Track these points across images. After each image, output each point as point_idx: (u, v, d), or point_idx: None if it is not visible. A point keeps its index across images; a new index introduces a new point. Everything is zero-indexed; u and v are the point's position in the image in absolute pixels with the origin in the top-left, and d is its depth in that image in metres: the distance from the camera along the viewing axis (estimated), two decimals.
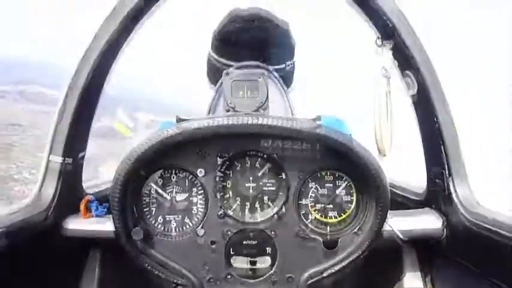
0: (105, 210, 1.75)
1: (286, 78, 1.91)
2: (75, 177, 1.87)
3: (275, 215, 1.31)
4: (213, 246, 1.34)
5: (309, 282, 1.37)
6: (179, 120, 1.25)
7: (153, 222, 1.33)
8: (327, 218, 1.33)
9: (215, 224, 1.32)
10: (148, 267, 1.36)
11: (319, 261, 1.37)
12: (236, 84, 1.42)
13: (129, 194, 1.26)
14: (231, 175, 1.32)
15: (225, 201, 1.31)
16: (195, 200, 1.32)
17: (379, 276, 1.71)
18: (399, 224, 1.72)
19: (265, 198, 1.32)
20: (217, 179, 1.30)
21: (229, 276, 1.36)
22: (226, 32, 1.86)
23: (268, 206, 1.32)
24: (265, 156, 1.31)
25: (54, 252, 1.71)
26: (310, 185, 1.32)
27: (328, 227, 1.33)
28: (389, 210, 1.41)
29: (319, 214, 1.33)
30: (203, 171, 1.30)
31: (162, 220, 1.32)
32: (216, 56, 1.86)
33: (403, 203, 2.05)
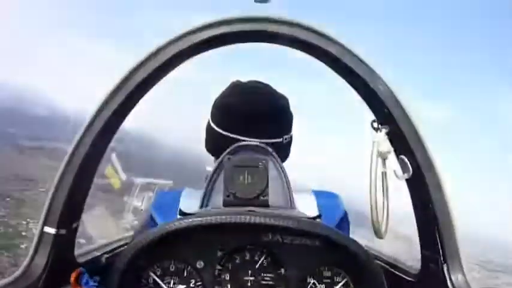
0: (96, 284, 1.71)
1: (283, 152, 1.94)
2: (68, 248, 1.85)
3: None
4: None
5: None
6: (182, 213, 1.26)
7: None
8: None
9: None
10: None
11: None
12: (237, 170, 1.43)
13: (126, 284, 1.23)
14: (230, 268, 1.31)
15: None
16: None
17: None
18: None
19: None
20: (216, 272, 1.29)
21: None
22: (226, 102, 1.90)
23: None
24: (264, 250, 1.30)
25: None
26: (308, 280, 1.32)
27: None
28: None
29: None
30: (202, 263, 1.29)
31: None
32: (214, 127, 1.89)
33: (396, 283, 2.04)
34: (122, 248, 2.24)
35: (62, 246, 1.77)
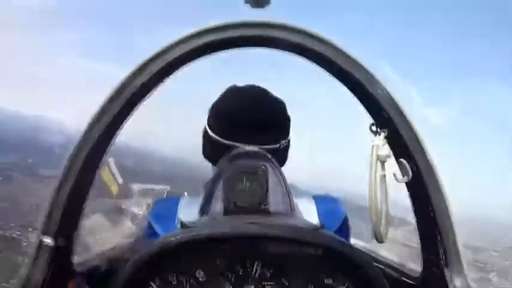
0: None
1: (281, 157, 1.93)
2: (66, 257, 1.83)
3: None
4: None
5: None
6: (183, 225, 1.24)
7: None
8: None
9: None
10: None
11: None
12: (236, 177, 1.42)
13: None
14: (232, 279, 1.29)
15: None
16: None
17: None
18: None
19: None
20: (218, 283, 1.27)
21: None
22: (222, 108, 1.88)
23: None
24: (267, 260, 1.29)
25: None
26: None
27: None
28: None
29: None
30: (203, 273, 1.27)
31: None
32: (211, 133, 1.88)
33: (397, 286, 2.04)
34: (120, 256, 2.23)
35: (61, 256, 1.75)
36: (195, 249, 1.25)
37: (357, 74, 1.68)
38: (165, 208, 1.86)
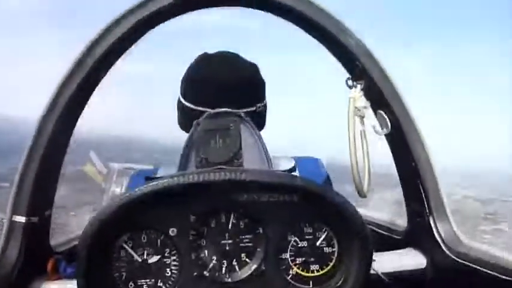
0: (74, 270, 1.64)
1: (259, 120, 1.88)
2: (42, 236, 1.76)
3: (254, 273, 1.22)
4: None
5: None
6: (148, 179, 1.18)
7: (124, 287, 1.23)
8: (309, 271, 1.25)
9: (191, 286, 1.22)
10: None
11: None
12: (207, 134, 1.36)
13: (96, 259, 1.16)
14: (205, 233, 1.23)
15: (200, 261, 1.22)
16: (168, 261, 1.22)
17: None
18: (383, 266, 1.68)
19: (243, 255, 1.24)
20: (190, 237, 1.21)
21: None
22: (194, 75, 1.83)
23: (247, 263, 1.24)
24: (240, 211, 1.24)
25: None
26: (289, 239, 1.25)
27: (311, 281, 1.25)
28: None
29: (301, 268, 1.25)
30: (175, 230, 1.21)
31: (133, 285, 1.21)
32: (184, 102, 1.83)
33: (383, 241, 2.01)
34: None
35: (35, 236, 1.69)
36: (163, 204, 1.19)
37: (327, 25, 1.63)
38: (142, 179, 1.81)
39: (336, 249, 1.26)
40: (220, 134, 1.38)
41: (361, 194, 1.75)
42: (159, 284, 1.21)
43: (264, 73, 1.93)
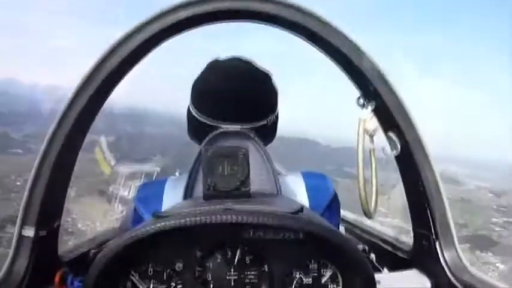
0: (81, 284, 1.66)
1: (269, 133, 1.85)
2: (50, 248, 1.78)
3: None
4: None
5: None
6: (156, 216, 1.18)
7: None
8: None
9: None
10: None
11: None
12: (216, 161, 1.36)
13: None
14: (211, 267, 1.24)
15: None
16: None
17: None
18: (387, 286, 1.69)
19: None
20: (196, 273, 1.22)
21: None
22: (203, 86, 1.77)
23: None
24: (246, 248, 1.24)
25: None
26: (294, 275, 1.25)
27: None
28: (375, 272, 1.37)
29: None
30: (181, 265, 1.22)
31: None
32: (194, 113, 1.79)
33: (389, 259, 2.02)
34: (107, 242, 2.19)
35: (44, 247, 1.71)
36: (170, 239, 1.20)
37: (342, 46, 1.60)
38: (150, 191, 1.80)
39: (340, 286, 1.26)
40: (229, 161, 1.38)
41: (368, 214, 1.75)
42: None
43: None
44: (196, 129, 1.81)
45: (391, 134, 1.70)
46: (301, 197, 1.68)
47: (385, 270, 1.96)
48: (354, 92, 1.76)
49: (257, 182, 1.54)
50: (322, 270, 1.26)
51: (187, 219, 1.09)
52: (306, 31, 1.61)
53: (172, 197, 1.64)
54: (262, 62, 1.80)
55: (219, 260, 1.24)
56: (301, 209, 1.19)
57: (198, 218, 1.09)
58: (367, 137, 1.73)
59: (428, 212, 1.67)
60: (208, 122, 1.72)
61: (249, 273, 1.24)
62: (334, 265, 1.25)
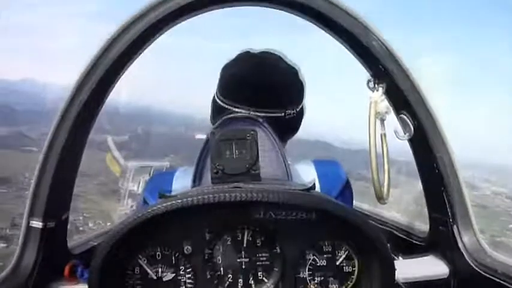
0: None
1: (293, 125, 1.82)
2: (59, 240, 1.77)
3: None
4: None
5: None
6: (162, 196, 1.14)
7: None
8: None
9: None
10: None
11: None
12: (223, 144, 1.31)
13: (110, 276, 1.14)
14: (221, 250, 1.20)
15: (216, 280, 1.19)
16: (183, 279, 1.20)
17: None
18: (404, 273, 1.64)
19: (260, 273, 1.20)
20: (206, 256, 1.18)
21: None
22: (230, 73, 1.77)
23: (264, 282, 1.20)
24: (257, 228, 1.19)
25: None
26: (307, 257, 1.21)
27: None
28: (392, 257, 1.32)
29: (319, 287, 1.21)
30: (190, 248, 1.18)
31: None
32: (219, 97, 1.77)
33: (404, 246, 1.96)
34: None
35: (53, 239, 1.69)
36: (178, 221, 1.16)
37: (350, 25, 1.56)
38: (160, 182, 1.78)
39: (356, 268, 1.21)
40: (237, 144, 1.33)
41: (380, 198, 1.70)
42: None
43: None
44: (218, 114, 1.79)
45: (403, 115, 1.65)
46: (307, 184, 1.64)
47: (400, 258, 1.91)
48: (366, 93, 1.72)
49: (267, 168, 1.50)
50: (336, 251, 1.21)
51: (195, 197, 1.05)
52: (313, 12, 1.57)
53: (181, 187, 1.61)
54: None
55: (228, 242, 1.20)
56: (313, 185, 1.14)
57: (206, 197, 1.05)
58: (378, 122, 1.68)
59: (445, 195, 1.62)
60: (228, 108, 1.70)
61: (260, 255, 1.20)
62: (349, 246, 1.20)
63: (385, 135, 1.71)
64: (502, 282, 1.41)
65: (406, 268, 1.63)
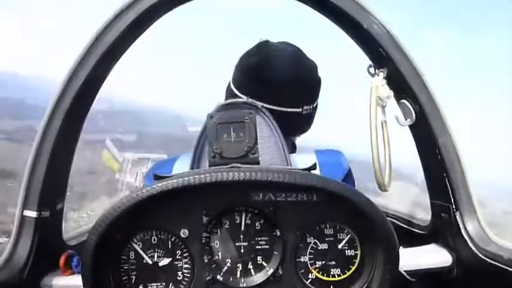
0: None
1: (306, 121, 1.79)
2: (54, 231, 1.74)
3: (271, 277, 1.15)
4: None
5: None
6: (157, 177, 1.10)
7: None
8: (329, 276, 1.17)
9: None
10: None
11: None
12: (221, 127, 1.28)
13: (104, 261, 1.10)
14: (218, 234, 1.16)
15: (214, 265, 1.16)
16: (179, 264, 1.16)
17: None
18: (406, 263, 1.61)
19: (259, 258, 1.16)
20: (203, 240, 1.14)
21: None
22: (245, 63, 1.74)
23: (263, 267, 1.16)
24: (256, 211, 1.16)
25: None
26: (308, 241, 1.17)
27: (332, 286, 1.18)
28: None
29: (321, 272, 1.17)
30: (187, 232, 1.14)
31: None
32: (232, 86, 1.75)
33: (406, 236, 1.93)
34: None
35: (47, 230, 1.66)
36: (174, 204, 1.12)
37: (350, 10, 1.52)
38: (161, 168, 1.76)
39: (358, 252, 1.18)
40: (234, 127, 1.30)
41: (382, 187, 1.67)
42: None
43: None
44: None
45: (405, 101, 1.62)
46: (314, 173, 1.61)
47: (401, 248, 1.88)
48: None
49: (265, 154, 1.47)
50: (338, 234, 1.17)
51: (191, 177, 1.02)
52: None
53: (180, 171, 1.59)
54: None
55: (226, 226, 1.16)
56: (314, 165, 1.11)
57: (202, 176, 1.02)
58: (378, 109, 1.65)
59: (447, 181, 1.58)
60: (242, 97, 1.68)
61: (259, 239, 1.16)
62: (352, 229, 1.17)
63: (385, 122, 1.68)
64: (507, 268, 1.38)
65: (408, 257, 1.60)
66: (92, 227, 1.06)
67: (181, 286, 1.16)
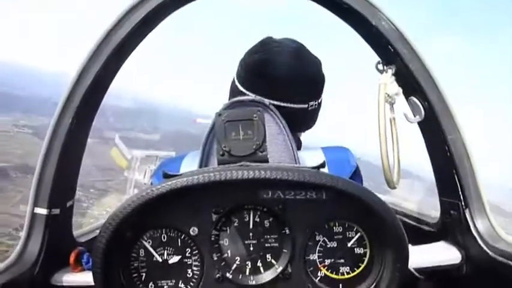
0: None
1: (310, 117, 1.78)
2: (64, 228, 1.76)
3: (280, 275, 1.15)
4: None
5: None
6: (166, 176, 1.11)
7: None
8: (338, 274, 1.17)
9: None
10: None
11: None
12: (229, 125, 1.28)
13: (114, 259, 1.11)
14: (228, 232, 1.16)
15: (223, 263, 1.16)
16: (189, 261, 1.17)
17: None
18: (416, 260, 1.61)
19: (268, 256, 1.17)
20: (212, 238, 1.15)
21: None
22: (249, 60, 1.74)
23: (272, 265, 1.16)
24: (265, 209, 1.16)
25: None
26: (317, 239, 1.17)
27: (341, 284, 1.18)
28: None
29: (330, 270, 1.17)
30: (196, 229, 1.15)
31: (153, 286, 1.16)
32: (237, 83, 1.75)
33: (414, 234, 1.93)
34: None
35: (58, 227, 1.68)
36: (184, 202, 1.13)
37: (358, 6, 1.52)
38: (169, 166, 1.76)
39: (367, 250, 1.17)
40: (243, 125, 1.29)
41: (391, 185, 1.66)
42: (180, 286, 1.16)
43: None
44: None
45: (413, 98, 1.61)
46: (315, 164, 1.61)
47: (410, 245, 1.88)
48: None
49: (273, 152, 1.47)
50: (347, 232, 1.17)
51: (200, 175, 1.02)
52: None
53: (188, 169, 1.59)
54: None
55: (236, 224, 1.16)
56: (323, 163, 1.11)
57: (211, 174, 1.02)
58: (387, 106, 1.65)
59: (457, 178, 1.57)
60: (246, 94, 1.67)
61: (268, 237, 1.16)
62: (361, 227, 1.17)
63: (394, 119, 1.67)
64: None
65: (417, 254, 1.59)
66: (103, 225, 1.06)
67: (191, 284, 1.16)
